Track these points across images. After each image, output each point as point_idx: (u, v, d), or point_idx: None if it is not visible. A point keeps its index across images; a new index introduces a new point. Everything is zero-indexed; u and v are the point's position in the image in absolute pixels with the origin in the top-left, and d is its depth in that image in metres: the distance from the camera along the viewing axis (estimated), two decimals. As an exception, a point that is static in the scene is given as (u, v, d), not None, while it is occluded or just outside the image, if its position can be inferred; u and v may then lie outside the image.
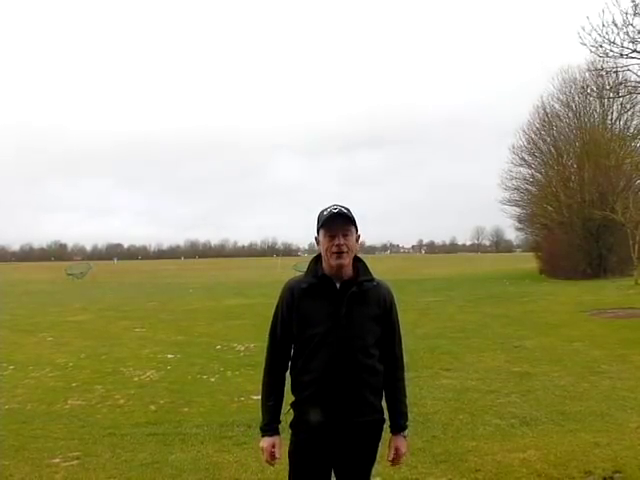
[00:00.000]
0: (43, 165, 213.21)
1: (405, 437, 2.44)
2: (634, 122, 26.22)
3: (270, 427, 2.37)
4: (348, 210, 2.36)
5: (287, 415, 2.41)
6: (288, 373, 2.44)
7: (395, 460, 2.44)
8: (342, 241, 2.29)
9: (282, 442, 2.39)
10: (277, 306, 2.42)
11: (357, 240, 2.38)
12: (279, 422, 2.39)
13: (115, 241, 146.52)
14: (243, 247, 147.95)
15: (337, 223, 2.30)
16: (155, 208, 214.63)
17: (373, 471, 2.46)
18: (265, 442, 2.36)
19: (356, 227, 2.37)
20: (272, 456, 2.35)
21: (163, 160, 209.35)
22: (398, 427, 2.42)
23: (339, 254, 2.29)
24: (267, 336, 2.46)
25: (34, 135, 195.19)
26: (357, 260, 2.40)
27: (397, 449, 2.42)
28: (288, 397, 2.42)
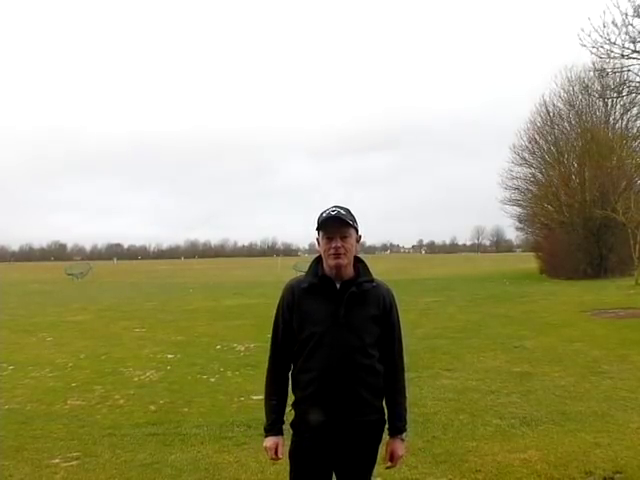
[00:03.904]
0: (43, 166, 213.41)
1: (403, 440, 2.42)
2: (637, 122, 26.23)
3: (274, 427, 2.37)
4: (348, 212, 2.34)
5: (288, 415, 2.40)
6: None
7: (391, 463, 2.42)
8: (339, 244, 2.28)
9: (285, 442, 2.39)
10: (278, 306, 2.42)
11: (358, 241, 2.37)
12: (283, 422, 2.39)
13: (115, 241, 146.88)
14: (243, 247, 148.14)
15: (335, 226, 2.29)
16: (155, 208, 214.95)
17: (374, 471, 2.45)
18: (268, 442, 2.36)
19: (356, 229, 2.35)
20: (275, 455, 2.35)
21: (163, 161, 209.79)
22: (395, 429, 2.41)
23: (337, 255, 2.28)
24: (269, 336, 2.46)
25: (35, 136, 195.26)
26: (358, 261, 2.39)
27: (393, 452, 2.40)
28: (291, 397, 2.42)
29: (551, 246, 27.24)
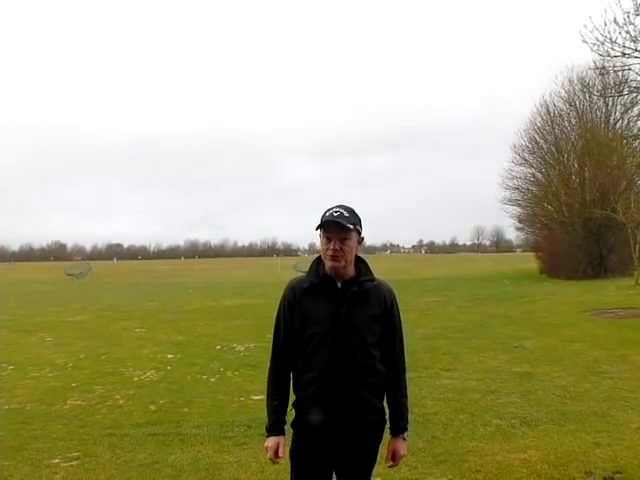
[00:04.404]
0: (43, 166, 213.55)
1: (405, 439, 2.43)
2: (638, 123, 26.20)
3: (275, 427, 2.37)
4: (351, 213, 2.32)
5: (289, 415, 2.41)
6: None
7: (393, 462, 2.42)
8: (338, 246, 2.27)
9: (286, 441, 2.39)
10: (279, 306, 2.42)
11: (360, 242, 2.36)
12: (284, 422, 2.39)
13: (115, 241, 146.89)
14: (243, 247, 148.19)
15: (335, 228, 2.28)
16: (155, 208, 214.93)
17: (374, 471, 2.45)
18: (270, 441, 2.37)
19: (358, 230, 2.34)
20: (276, 455, 2.35)
21: (163, 161, 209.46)
22: (397, 429, 2.41)
23: (334, 257, 2.28)
24: (269, 336, 2.47)
25: (35, 136, 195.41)
26: (359, 260, 2.39)
27: (395, 451, 2.41)
28: (292, 397, 2.42)
29: (551, 246, 27.24)
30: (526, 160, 30.22)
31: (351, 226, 2.28)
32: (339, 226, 2.27)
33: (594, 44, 12.15)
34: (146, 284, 31.44)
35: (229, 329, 11.73)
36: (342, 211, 2.30)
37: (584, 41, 12.31)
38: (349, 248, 2.29)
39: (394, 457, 2.41)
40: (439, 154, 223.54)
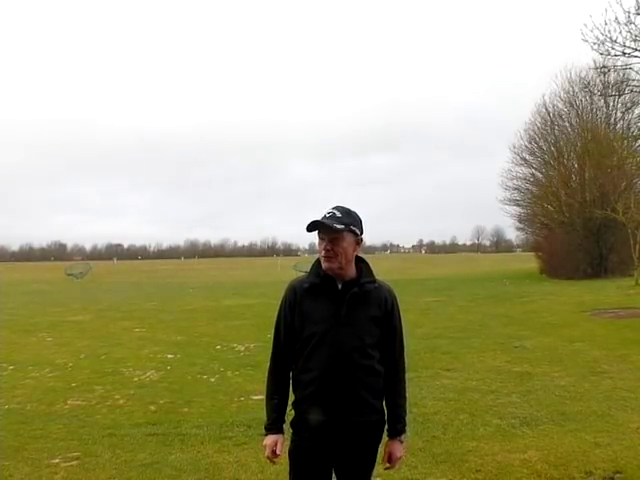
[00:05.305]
0: (43, 166, 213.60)
1: (402, 442, 2.42)
2: (639, 123, 26.17)
3: (274, 425, 2.37)
4: (345, 214, 2.31)
5: (288, 414, 2.41)
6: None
7: (389, 464, 2.42)
8: (329, 246, 2.27)
9: (285, 441, 2.39)
10: (280, 306, 2.42)
11: (358, 243, 2.34)
12: (284, 421, 2.39)
13: (115, 241, 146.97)
14: (243, 247, 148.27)
15: (324, 229, 2.28)
16: (155, 208, 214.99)
17: (374, 472, 2.45)
18: (268, 439, 2.36)
19: (353, 231, 2.31)
20: (274, 453, 2.35)
21: (163, 161, 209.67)
22: (394, 431, 2.41)
23: (326, 257, 2.29)
24: (270, 336, 2.47)
25: (36, 136, 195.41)
26: (360, 261, 2.38)
27: (391, 453, 2.40)
28: (291, 397, 2.42)
29: (551, 246, 27.25)
30: (526, 160, 30.27)
31: (339, 227, 2.26)
32: (326, 227, 2.27)
33: (594, 43, 12.18)
34: (146, 284, 31.44)
35: (229, 329, 11.74)
36: (335, 212, 2.30)
37: (584, 40, 12.33)
38: (341, 249, 2.28)
39: (390, 459, 2.41)
40: (439, 154, 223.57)
